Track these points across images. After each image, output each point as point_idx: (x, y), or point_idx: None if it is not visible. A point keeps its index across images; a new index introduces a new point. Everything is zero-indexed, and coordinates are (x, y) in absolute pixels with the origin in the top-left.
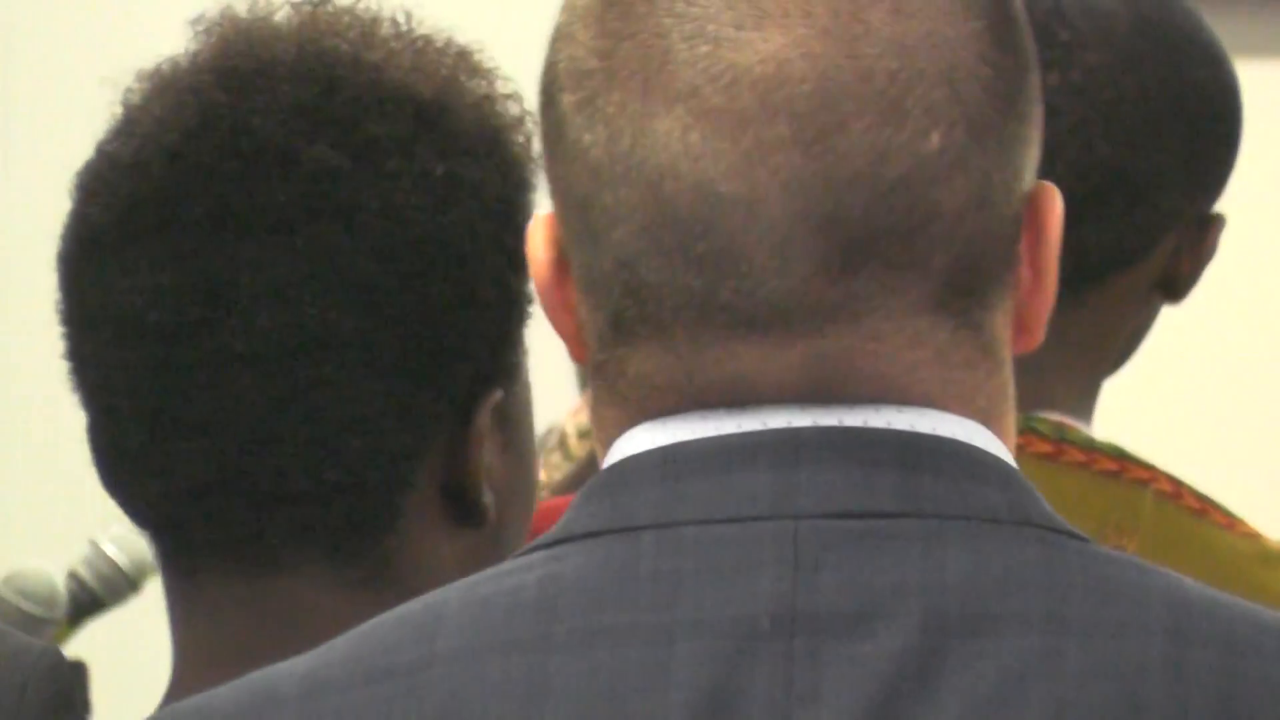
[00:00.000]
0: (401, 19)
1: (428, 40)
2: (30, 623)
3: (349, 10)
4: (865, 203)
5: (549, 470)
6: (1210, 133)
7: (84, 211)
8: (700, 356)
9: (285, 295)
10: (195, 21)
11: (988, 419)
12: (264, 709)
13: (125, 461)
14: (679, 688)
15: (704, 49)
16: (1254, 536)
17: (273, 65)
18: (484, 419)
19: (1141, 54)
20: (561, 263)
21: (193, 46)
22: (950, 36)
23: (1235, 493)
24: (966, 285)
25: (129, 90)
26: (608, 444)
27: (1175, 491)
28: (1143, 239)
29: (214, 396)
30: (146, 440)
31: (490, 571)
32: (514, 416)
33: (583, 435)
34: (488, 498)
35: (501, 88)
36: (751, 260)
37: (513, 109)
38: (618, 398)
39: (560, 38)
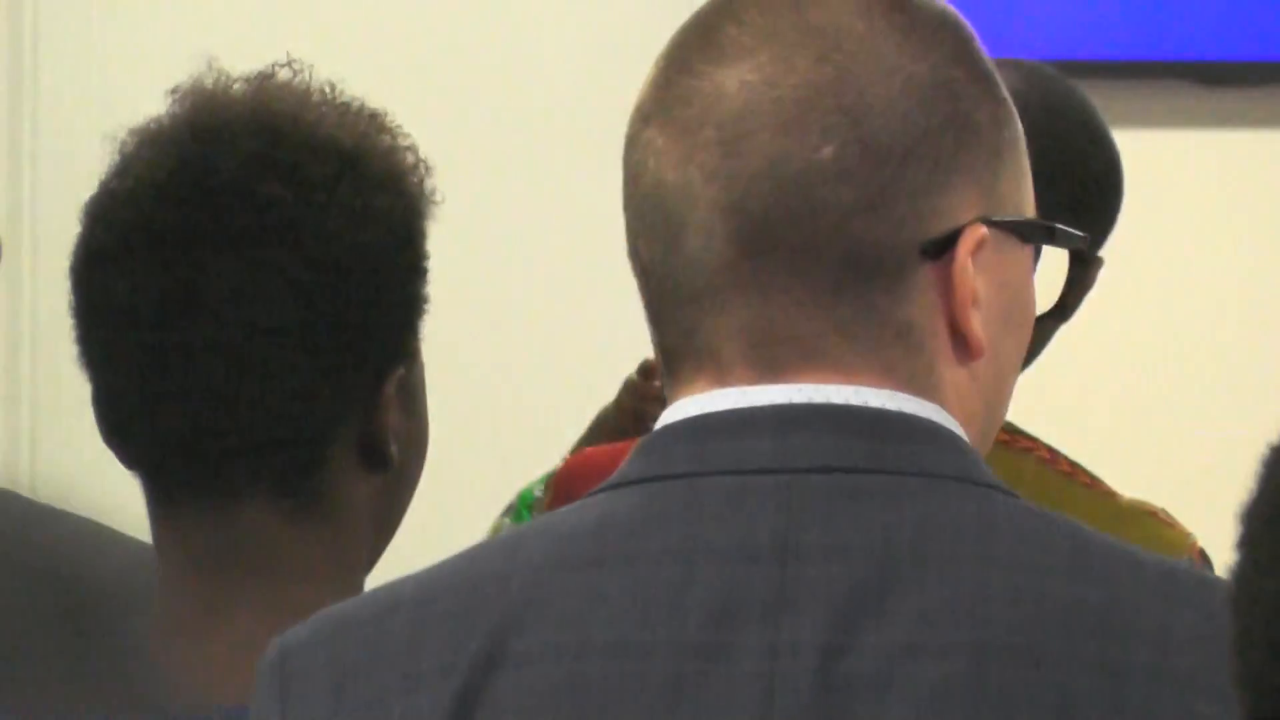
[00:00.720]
0: (328, 89)
1: (347, 104)
2: None
3: (287, 82)
4: (765, 193)
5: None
6: (1093, 192)
7: (91, 233)
8: (680, 325)
9: (243, 296)
10: (173, 90)
11: (923, 392)
12: (387, 612)
13: (121, 421)
14: (697, 596)
15: (684, 79)
16: (1111, 495)
17: (232, 123)
18: (390, 389)
19: (1042, 129)
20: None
21: (172, 108)
22: (863, 82)
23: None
24: (863, 275)
25: (124, 141)
26: (660, 421)
27: (1051, 458)
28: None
29: (189, 371)
30: (137, 404)
31: (564, 509)
32: (412, 388)
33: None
34: (393, 449)
35: (403, 141)
36: (688, 238)
37: (410, 158)
38: (662, 372)
39: (642, 97)
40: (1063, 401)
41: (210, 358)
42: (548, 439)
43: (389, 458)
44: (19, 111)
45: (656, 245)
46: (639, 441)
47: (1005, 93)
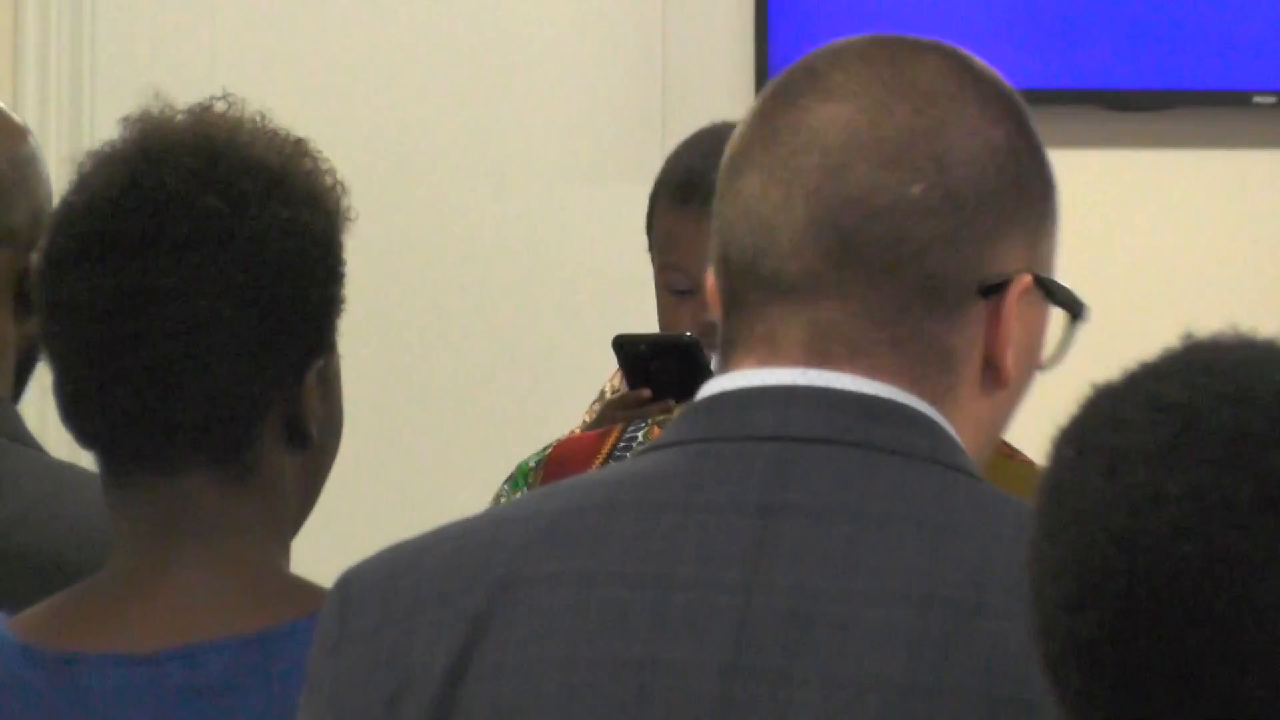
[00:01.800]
0: (258, 118)
1: (275, 132)
2: None
3: (223, 112)
4: (857, 217)
5: (589, 414)
6: None
7: (54, 240)
8: (749, 317)
9: (186, 294)
10: (124, 119)
11: (934, 400)
12: (433, 545)
13: (78, 402)
14: (689, 541)
15: (790, 112)
16: (1035, 464)
17: (176, 146)
18: (311, 377)
19: None
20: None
21: (123, 133)
22: (952, 137)
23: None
24: (927, 301)
25: (82, 162)
26: (699, 394)
27: (1011, 454)
28: None
29: (137, 360)
30: (93, 389)
31: (597, 470)
32: (329, 377)
33: (613, 392)
34: (312, 429)
35: (323, 164)
36: (780, 244)
37: (329, 179)
38: (720, 356)
39: (741, 125)
40: None
41: (156, 348)
42: (516, 429)
43: (309, 436)
44: (79, 105)
45: (748, 251)
46: (620, 426)
47: (1051, 169)
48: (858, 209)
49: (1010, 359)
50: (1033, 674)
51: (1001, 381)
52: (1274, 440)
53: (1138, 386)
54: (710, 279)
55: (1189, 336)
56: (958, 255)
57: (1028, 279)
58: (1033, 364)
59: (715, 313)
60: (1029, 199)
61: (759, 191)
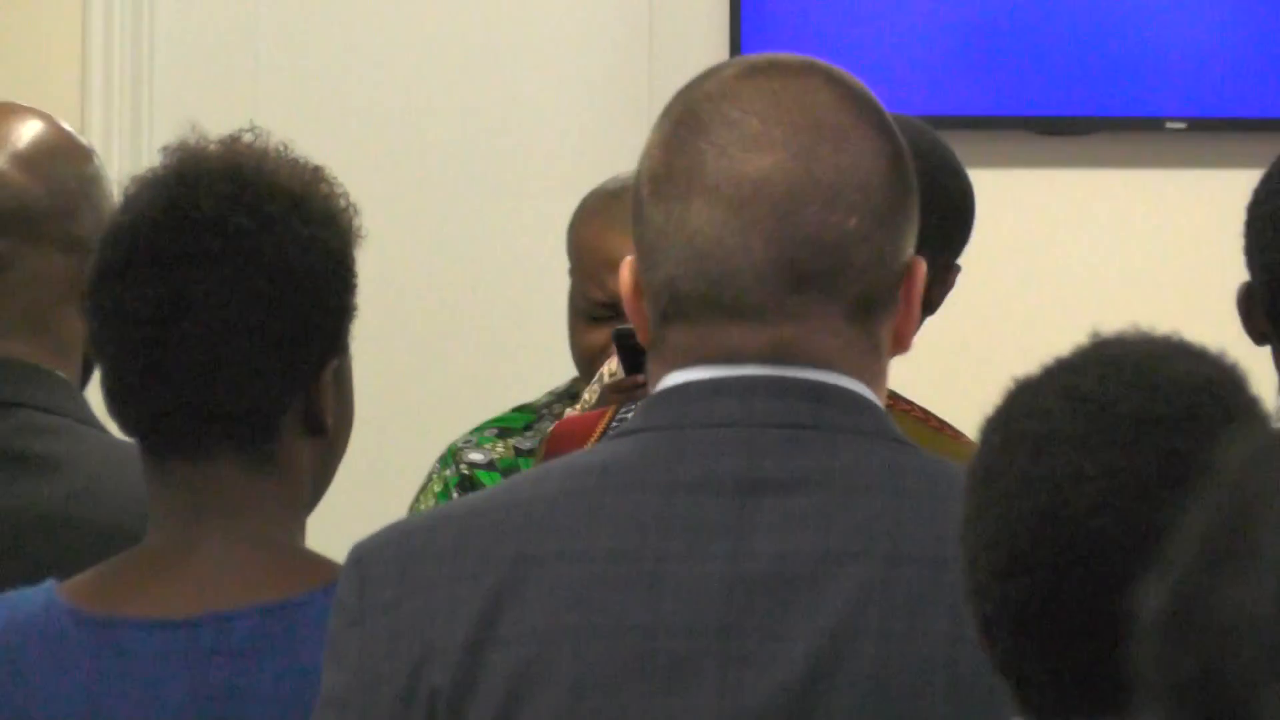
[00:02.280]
0: (281, 148)
1: (295, 160)
2: None
3: (250, 143)
4: (809, 254)
5: (590, 395)
6: (953, 217)
7: (104, 253)
8: (709, 334)
9: (218, 302)
10: (164, 148)
11: (870, 383)
12: (441, 523)
13: (123, 396)
14: (675, 517)
15: (723, 163)
16: (970, 443)
17: (210, 172)
18: (328, 375)
19: (917, 169)
20: (637, 284)
21: (163, 161)
22: (865, 165)
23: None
24: (866, 309)
25: (128, 185)
26: (656, 382)
27: (924, 417)
28: None
29: (175, 359)
30: (136, 384)
31: (579, 452)
32: (343, 375)
33: (610, 375)
34: (327, 420)
35: (338, 189)
36: (741, 278)
37: (343, 201)
38: (660, 358)
39: (644, 157)
40: (926, 382)
41: (191, 349)
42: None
43: (325, 427)
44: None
45: (701, 281)
46: (641, 402)
47: (907, 149)
48: (809, 247)
49: (911, 330)
50: None
51: (903, 349)
52: (1176, 424)
53: (1054, 379)
54: (632, 290)
55: (1097, 334)
56: (885, 267)
57: (922, 263)
58: (918, 323)
59: (636, 322)
60: (913, 191)
61: (710, 232)
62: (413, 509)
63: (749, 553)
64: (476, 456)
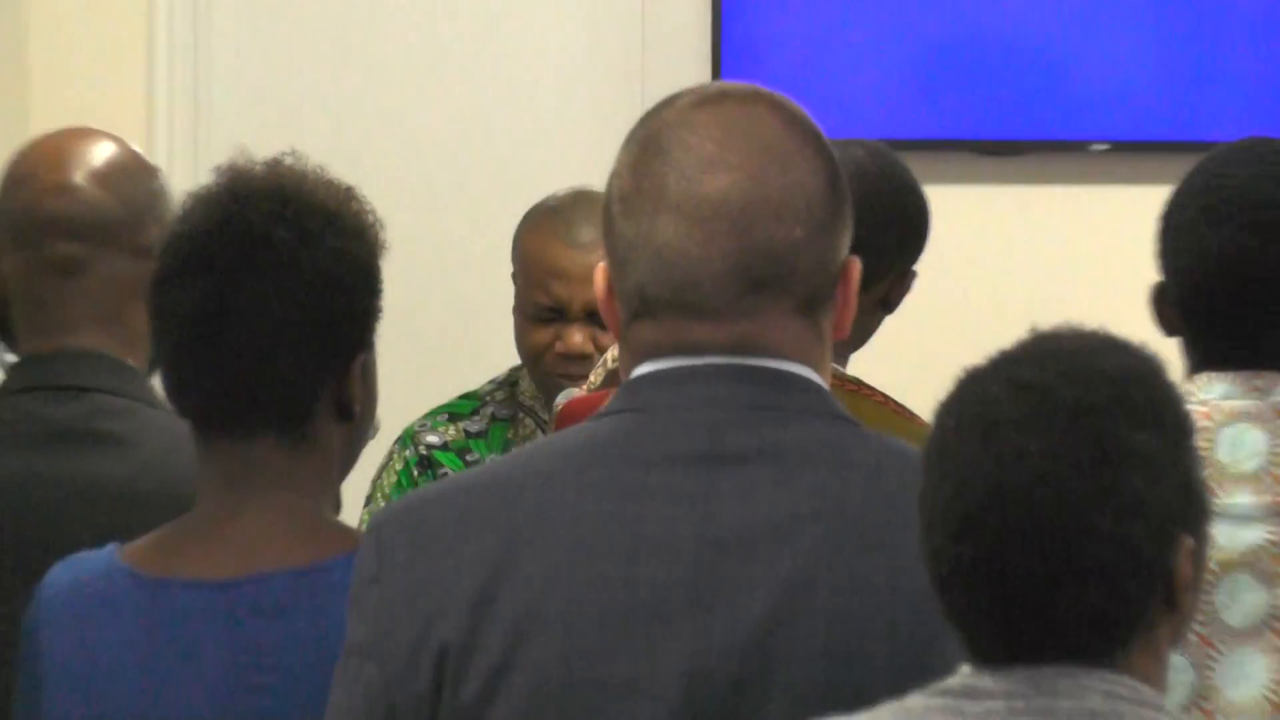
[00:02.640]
0: (319, 170)
1: (330, 180)
2: None
3: (291, 165)
4: (764, 262)
5: (595, 377)
6: (910, 229)
7: (163, 260)
8: (674, 331)
9: (262, 305)
10: (215, 169)
11: (816, 368)
12: (449, 494)
13: (178, 385)
14: (652, 486)
15: (684, 184)
16: (925, 424)
17: (257, 190)
18: (355, 368)
19: (880, 188)
20: (610, 287)
21: (216, 179)
22: (807, 182)
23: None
24: (811, 305)
25: (184, 201)
26: (628, 372)
27: (884, 401)
28: (874, 277)
29: (223, 354)
30: (190, 375)
31: (566, 429)
32: (368, 369)
33: (614, 361)
34: (355, 407)
35: (367, 206)
36: (703, 285)
37: (370, 218)
38: (631, 351)
39: (613, 177)
40: (886, 372)
41: (238, 344)
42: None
43: (352, 413)
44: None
45: (667, 287)
46: (617, 388)
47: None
48: (762, 256)
49: (846, 326)
50: (916, 568)
51: (842, 336)
52: (1106, 410)
53: (999, 369)
54: (605, 293)
55: (1035, 329)
56: (825, 270)
57: (857, 263)
58: (848, 322)
59: (609, 320)
60: (847, 202)
61: (675, 244)
62: (375, 485)
63: (714, 517)
64: (432, 439)
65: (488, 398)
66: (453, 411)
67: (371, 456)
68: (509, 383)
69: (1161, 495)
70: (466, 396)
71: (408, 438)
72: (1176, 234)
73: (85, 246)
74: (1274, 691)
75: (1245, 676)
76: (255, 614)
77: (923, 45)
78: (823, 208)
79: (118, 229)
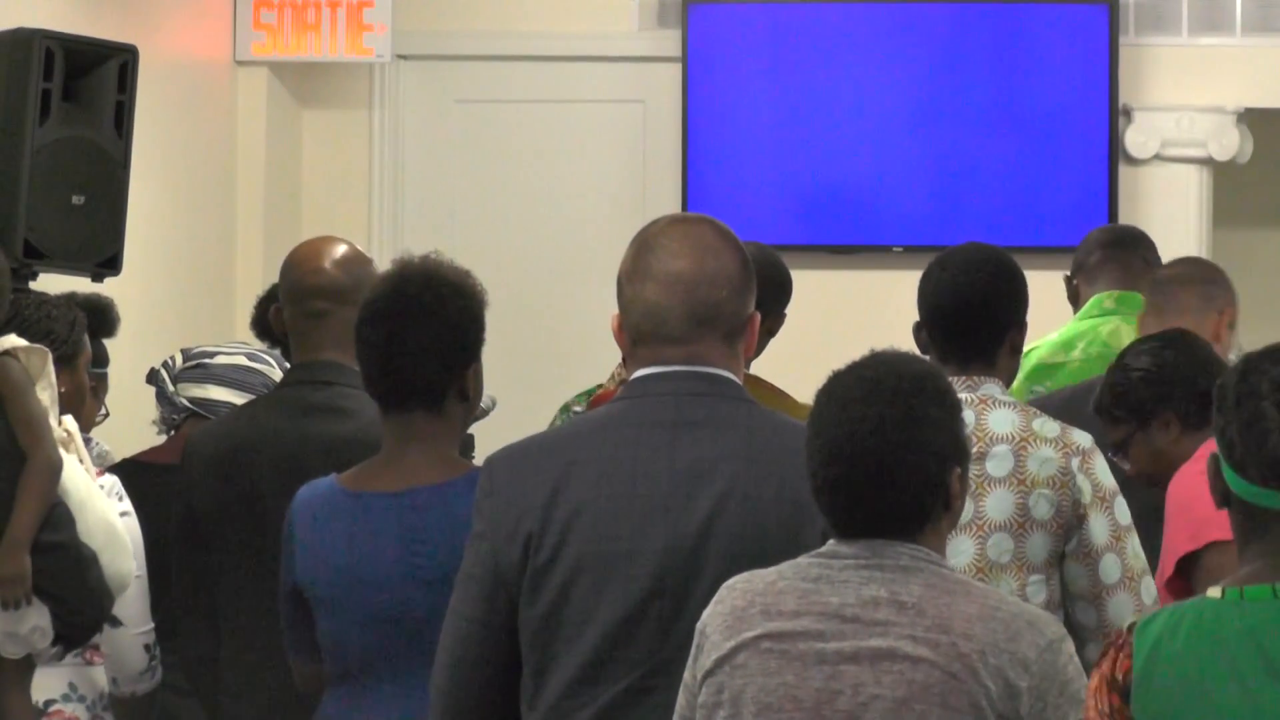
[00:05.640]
0: (450, 259)
1: (456, 266)
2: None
3: (439, 258)
4: (703, 310)
5: (611, 382)
6: (783, 290)
7: (362, 312)
8: (656, 352)
9: (418, 337)
10: (395, 259)
11: (734, 374)
12: (526, 448)
13: (370, 381)
14: (643, 441)
15: (660, 266)
16: (798, 402)
17: (416, 271)
18: (471, 371)
19: (766, 269)
20: (621, 327)
21: (395, 263)
22: (729, 266)
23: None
24: (730, 338)
25: (379, 277)
26: (631, 374)
27: (772, 387)
28: (763, 318)
29: (395, 364)
30: (376, 377)
31: (600, 407)
32: (478, 371)
33: (620, 373)
34: (471, 394)
35: (477, 280)
36: (670, 324)
37: (478, 284)
38: (633, 363)
39: (624, 261)
40: (780, 374)
41: (402, 359)
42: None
43: (469, 397)
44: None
45: (650, 325)
46: (623, 385)
47: (752, 267)
48: (703, 308)
49: (750, 348)
50: (796, 484)
51: (750, 356)
52: (913, 391)
53: (851, 370)
54: (618, 330)
55: (872, 350)
56: (739, 317)
57: (757, 315)
58: (752, 346)
59: (621, 346)
60: (752, 278)
61: (655, 300)
62: None
63: (678, 457)
64: (577, 409)
65: (600, 389)
66: (589, 395)
67: (483, 425)
68: (620, 379)
69: (944, 442)
70: (590, 391)
71: (564, 409)
72: (925, 288)
73: (329, 303)
74: (974, 565)
75: (958, 552)
76: (413, 511)
77: (796, 190)
78: (738, 281)
79: (345, 294)
